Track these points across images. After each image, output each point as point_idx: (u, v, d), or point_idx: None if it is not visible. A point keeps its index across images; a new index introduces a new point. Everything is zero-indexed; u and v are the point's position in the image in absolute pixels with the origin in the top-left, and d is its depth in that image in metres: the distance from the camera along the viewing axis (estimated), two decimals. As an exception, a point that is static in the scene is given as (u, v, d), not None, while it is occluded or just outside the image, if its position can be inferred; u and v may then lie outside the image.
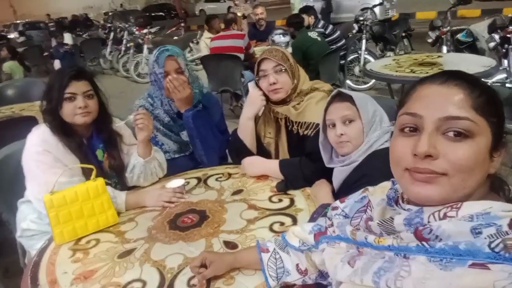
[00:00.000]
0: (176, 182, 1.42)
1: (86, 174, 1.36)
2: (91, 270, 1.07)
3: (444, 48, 3.99)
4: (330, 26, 4.25)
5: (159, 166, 1.53)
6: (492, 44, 3.55)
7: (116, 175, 1.51)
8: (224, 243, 1.11)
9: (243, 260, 0.98)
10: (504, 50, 3.34)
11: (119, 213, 1.34)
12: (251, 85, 1.48)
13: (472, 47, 3.94)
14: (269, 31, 4.90)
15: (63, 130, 1.37)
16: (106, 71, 8.54)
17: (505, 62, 3.31)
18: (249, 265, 0.98)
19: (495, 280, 0.47)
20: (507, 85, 3.28)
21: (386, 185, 0.80)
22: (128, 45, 7.88)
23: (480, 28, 3.91)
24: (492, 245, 0.49)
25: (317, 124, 1.38)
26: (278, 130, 1.53)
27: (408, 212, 0.63)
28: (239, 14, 5.31)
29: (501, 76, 3.32)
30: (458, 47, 4.01)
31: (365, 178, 1.07)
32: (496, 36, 3.48)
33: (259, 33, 5.13)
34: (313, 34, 3.83)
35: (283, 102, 1.47)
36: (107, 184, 1.33)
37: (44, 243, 1.25)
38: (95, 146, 1.46)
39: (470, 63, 2.86)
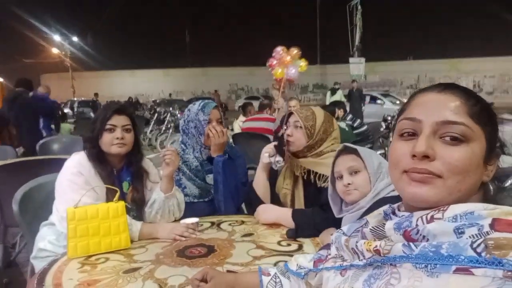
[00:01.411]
0: (190, 219, 1.47)
1: (110, 200, 1.45)
2: (95, 279, 1.09)
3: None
4: (358, 120, 4.48)
5: (177, 205, 1.60)
6: (519, 150, 3.56)
7: (136, 209, 1.59)
8: (227, 272, 1.11)
9: (243, 282, 0.98)
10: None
11: (131, 241, 1.38)
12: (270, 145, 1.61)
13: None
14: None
15: (98, 158, 1.50)
16: (144, 147, 9.04)
17: (534, 167, 3.27)
18: (249, 286, 0.97)
19: (481, 287, 0.47)
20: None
21: (384, 207, 0.84)
22: (169, 125, 8.49)
23: (508, 135, 3.96)
24: (474, 245, 0.50)
25: None
26: (296, 182, 1.59)
27: (399, 218, 0.66)
28: (276, 106, 5.70)
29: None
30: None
31: None
32: (523, 142, 3.50)
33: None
34: (342, 124, 4.04)
35: (300, 155, 1.57)
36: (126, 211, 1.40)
37: (57, 256, 1.29)
38: (123, 178, 1.58)
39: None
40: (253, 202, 1.62)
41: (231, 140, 4.27)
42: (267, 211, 1.52)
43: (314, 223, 1.37)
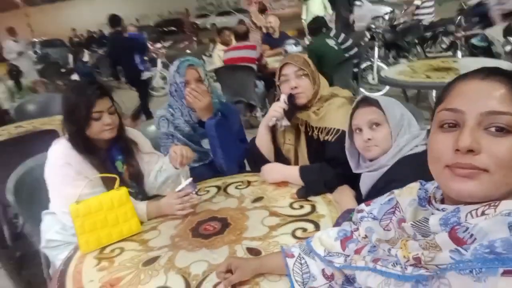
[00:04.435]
0: (183, 184, 1.39)
1: (107, 185, 1.38)
2: (117, 277, 1.08)
3: (459, 53, 3.96)
4: (343, 35, 4.27)
5: (185, 175, 1.55)
6: (508, 48, 3.50)
7: (136, 184, 1.53)
8: (247, 250, 1.11)
9: (268, 266, 0.98)
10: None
11: (141, 222, 1.35)
12: (282, 97, 1.49)
13: (487, 51, 3.90)
14: (282, 39, 4.97)
15: (86, 148, 1.38)
16: (121, 86, 8.71)
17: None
18: (274, 270, 0.97)
19: None
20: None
21: (413, 185, 0.79)
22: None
23: (496, 32, 3.87)
24: None
25: (338, 130, 1.38)
26: (298, 136, 1.54)
27: (444, 212, 0.62)
28: (257, 23, 5.40)
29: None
30: (473, 51, 3.97)
31: (395, 183, 1.05)
32: (512, 40, 3.44)
33: (273, 40, 5.21)
34: (330, 42, 3.85)
35: (304, 107, 1.48)
36: (130, 193, 1.35)
37: (70, 253, 1.27)
38: (114, 158, 1.49)
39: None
40: (257, 161, 1.58)
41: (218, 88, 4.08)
42: (273, 171, 1.49)
43: (324, 180, 1.35)
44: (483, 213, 0.56)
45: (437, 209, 0.65)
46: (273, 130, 1.58)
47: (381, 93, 4.93)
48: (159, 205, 1.41)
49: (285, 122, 1.48)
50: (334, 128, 1.40)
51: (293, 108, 1.47)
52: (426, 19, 5.48)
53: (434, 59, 3.45)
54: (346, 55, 4.10)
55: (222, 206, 1.40)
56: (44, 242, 1.50)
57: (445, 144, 0.59)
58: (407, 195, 0.78)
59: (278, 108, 1.46)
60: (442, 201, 0.68)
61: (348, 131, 1.24)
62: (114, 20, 5.21)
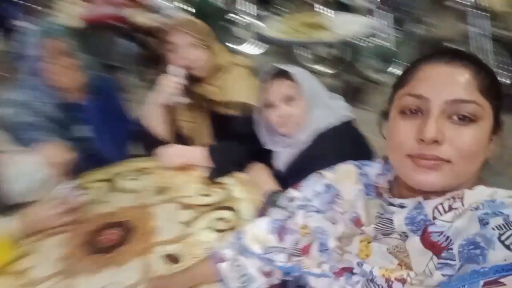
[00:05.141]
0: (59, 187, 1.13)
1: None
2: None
3: (322, 8, 4.15)
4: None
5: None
6: (368, 5, 3.83)
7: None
8: (164, 258, 0.94)
9: (200, 277, 0.85)
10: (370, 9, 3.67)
11: (11, 247, 1.03)
12: (172, 69, 1.25)
13: (348, 7, 4.19)
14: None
15: None
16: None
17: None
18: (208, 279, 0.85)
19: None
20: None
21: (348, 169, 0.75)
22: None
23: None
24: (503, 238, 0.47)
25: (243, 103, 1.26)
26: (198, 112, 1.36)
27: (404, 209, 0.59)
28: None
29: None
30: (336, 7, 4.22)
31: (317, 160, 1.00)
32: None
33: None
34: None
35: (201, 80, 1.30)
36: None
37: None
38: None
39: (356, 24, 3.04)
40: (149, 143, 1.35)
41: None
42: (174, 154, 1.29)
43: (234, 159, 1.23)
44: (450, 208, 0.55)
45: (393, 204, 0.62)
46: (167, 107, 1.36)
47: (259, 51, 4.94)
48: (31, 219, 1.09)
49: (184, 99, 1.28)
50: (240, 102, 1.27)
51: (189, 82, 1.28)
52: None
53: (304, 15, 3.53)
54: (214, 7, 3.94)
55: (118, 205, 1.16)
56: None
57: (407, 132, 0.56)
58: (346, 181, 0.73)
59: (173, 84, 1.24)
60: (391, 191, 0.65)
61: (259, 105, 1.13)
62: None
